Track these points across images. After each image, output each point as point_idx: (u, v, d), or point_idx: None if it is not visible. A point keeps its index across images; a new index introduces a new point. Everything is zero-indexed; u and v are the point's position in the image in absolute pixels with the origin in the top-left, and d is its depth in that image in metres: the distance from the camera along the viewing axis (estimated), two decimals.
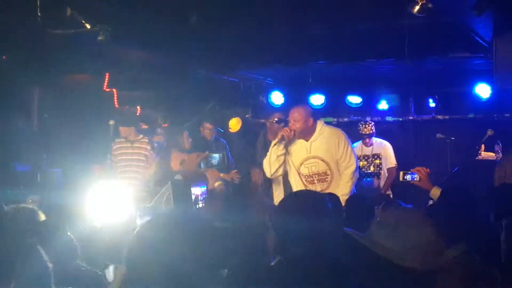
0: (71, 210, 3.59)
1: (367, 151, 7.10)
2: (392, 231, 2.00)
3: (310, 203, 2.36)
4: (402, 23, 5.18)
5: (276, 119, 5.89)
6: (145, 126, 7.20)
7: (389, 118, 8.22)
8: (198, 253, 1.73)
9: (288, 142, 5.05)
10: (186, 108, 7.66)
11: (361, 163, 6.90)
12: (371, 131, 7.10)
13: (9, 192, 5.17)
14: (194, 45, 5.77)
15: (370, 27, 5.62)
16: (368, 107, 8.15)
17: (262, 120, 7.35)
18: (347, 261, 2.04)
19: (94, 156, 6.60)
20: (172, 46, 5.76)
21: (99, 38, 4.86)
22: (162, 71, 6.81)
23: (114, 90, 7.17)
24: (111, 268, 1.91)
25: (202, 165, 5.12)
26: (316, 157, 5.06)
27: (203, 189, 4.67)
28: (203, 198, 4.62)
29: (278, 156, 5.05)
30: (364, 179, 6.96)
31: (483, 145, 6.87)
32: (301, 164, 5.10)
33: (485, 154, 6.87)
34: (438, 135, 7.36)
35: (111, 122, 6.63)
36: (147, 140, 6.48)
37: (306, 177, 5.10)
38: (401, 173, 3.99)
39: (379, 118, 8.10)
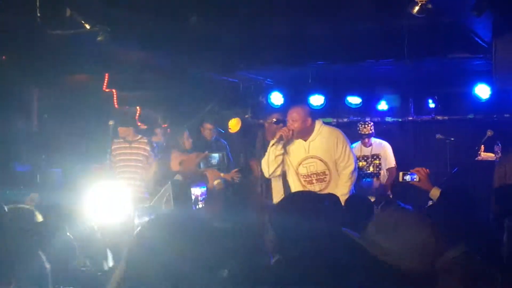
0: (71, 210, 3.59)
1: (366, 151, 7.10)
2: (390, 232, 2.00)
3: (309, 204, 2.36)
4: (402, 23, 5.18)
5: (274, 119, 5.89)
6: (144, 127, 7.20)
7: (388, 119, 8.22)
8: (197, 253, 1.73)
9: (286, 142, 5.05)
10: (186, 109, 7.66)
11: (360, 164, 6.90)
12: (371, 131, 7.09)
13: (8, 192, 5.17)
14: (194, 45, 5.77)
15: (370, 27, 5.62)
16: (367, 107, 8.15)
17: (261, 121, 7.36)
18: (346, 262, 2.04)
19: (94, 156, 6.60)
20: (172, 46, 5.76)
21: (99, 38, 4.86)
22: (161, 71, 6.81)
23: (114, 90, 7.17)
24: (109, 257, 1.91)
25: (201, 165, 5.13)
26: (314, 157, 5.06)
27: (203, 189, 4.67)
28: (203, 198, 4.62)
29: (276, 156, 5.05)
30: (364, 179, 6.96)
31: (482, 145, 6.87)
32: (299, 164, 5.09)
33: (484, 155, 6.87)
34: (438, 136, 7.36)
35: (111, 123, 6.62)
36: (145, 141, 6.48)
37: (305, 177, 5.10)
38: (401, 173, 3.99)
39: (379, 119, 8.10)
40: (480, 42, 5.73)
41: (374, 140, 7.16)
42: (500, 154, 6.64)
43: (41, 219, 3.12)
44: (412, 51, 5.58)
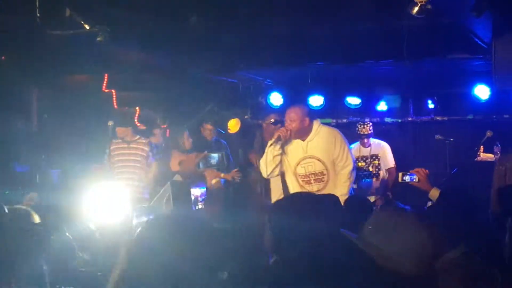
0: (70, 210, 3.59)
1: (365, 152, 7.10)
2: (387, 234, 2.00)
3: (308, 204, 2.37)
4: (401, 24, 5.18)
5: (272, 120, 5.90)
6: (143, 127, 7.20)
7: (388, 119, 8.22)
8: (197, 254, 1.73)
9: (284, 143, 5.05)
10: (185, 109, 7.66)
11: (359, 164, 6.90)
12: (370, 132, 7.09)
13: (8, 193, 5.17)
14: (193, 45, 5.77)
15: (369, 28, 5.62)
16: (367, 108, 8.15)
17: (260, 121, 7.36)
18: (343, 263, 2.04)
19: (93, 157, 6.60)
20: (171, 46, 5.76)
21: (98, 38, 4.86)
22: (161, 71, 6.81)
23: (113, 90, 7.17)
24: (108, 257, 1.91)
25: (201, 165, 5.13)
26: (312, 157, 5.05)
27: (203, 190, 4.67)
28: (203, 199, 4.63)
29: (274, 157, 5.04)
30: (363, 180, 6.96)
31: (482, 146, 6.87)
32: (297, 164, 5.09)
33: (484, 155, 6.87)
34: (437, 136, 7.36)
35: (110, 123, 6.64)
36: (144, 141, 6.48)
37: (303, 177, 5.09)
38: (400, 174, 3.99)
39: (378, 119, 8.10)
40: (479, 42, 5.73)
41: (373, 141, 7.16)
42: (499, 155, 6.64)
43: (37, 219, 3.12)
44: (411, 52, 5.59)
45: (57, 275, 2.36)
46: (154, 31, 5.29)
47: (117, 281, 1.75)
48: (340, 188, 4.95)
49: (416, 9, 4.37)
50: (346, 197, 4.50)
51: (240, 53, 6.36)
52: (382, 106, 8.15)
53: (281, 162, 5.11)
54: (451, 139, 7.24)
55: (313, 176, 5.07)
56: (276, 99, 8.00)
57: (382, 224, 2.05)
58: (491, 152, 6.83)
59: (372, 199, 6.13)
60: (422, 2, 4.30)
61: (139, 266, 1.74)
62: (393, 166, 7.08)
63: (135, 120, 7.24)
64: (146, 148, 6.44)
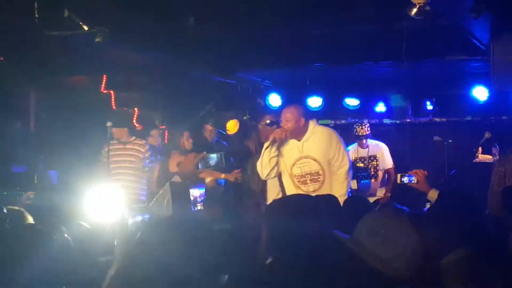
0: (68, 211, 3.58)
1: (363, 153, 7.10)
2: (379, 237, 2.00)
3: (304, 206, 2.37)
4: (400, 25, 5.19)
5: (267, 121, 5.90)
6: (140, 127, 7.19)
7: (386, 121, 8.23)
8: (196, 256, 1.73)
9: (280, 144, 5.05)
10: (184, 110, 7.66)
11: (358, 165, 6.90)
12: (367, 132, 7.10)
13: (5, 193, 5.16)
14: (192, 47, 5.77)
15: (368, 29, 5.63)
16: (365, 109, 8.15)
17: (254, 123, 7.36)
18: (337, 264, 2.04)
19: (91, 158, 6.59)
20: (170, 48, 5.76)
21: (97, 39, 4.86)
22: (159, 73, 6.81)
23: (112, 91, 7.16)
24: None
25: (199, 166, 5.12)
26: (308, 157, 5.05)
27: (202, 190, 4.66)
28: (202, 199, 4.62)
29: (270, 159, 5.05)
30: (362, 181, 6.96)
31: (480, 147, 6.88)
32: (293, 165, 5.09)
33: (482, 157, 6.88)
34: (436, 138, 7.36)
35: (109, 124, 6.62)
36: (139, 142, 6.47)
37: (299, 177, 5.09)
38: (399, 175, 3.99)
39: (377, 121, 8.10)
40: (478, 44, 5.73)
41: (370, 142, 7.17)
42: (497, 156, 6.65)
43: (31, 220, 3.12)
44: (410, 53, 5.58)
45: (54, 276, 2.35)
46: (152, 32, 5.29)
47: (113, 280, 1.75)
48: (339, 188, 4.94)
49: (414, 10, 4.37)
50: (346, 197, 4.50)
51: (239, 54, 6.36)
52: (380, 108, 8.16)
53: (277, 163, 5.11)
54: (450, 141, 7.25)
55: (309, 176, 5.07)
56: (274, 100, 8.00)
57: (374, 226, 2.05)
58: (490, 153, 6.83)
59: (371, 200, 6.12)
60: (420, 3, 4.31)
61: (136, 267, 1.73)
62: (391, 166, 7.08)
63: (134, 121, 7.23)
64: (142, 150, 6.42)
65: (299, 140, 5.07)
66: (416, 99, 8.12)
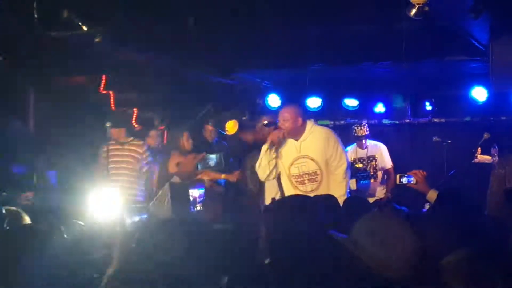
0: (67, 211, 3.58)
1: (362, 153, 7.11)
2: (376, 237, 2.00)
3: (302, 207, 2.37)
4: (399, 26, 5.19)
5: (265, 122, 5.91)
6: (139, 127, 7.19)
7: (385, 121, 8.23)
8: (195, 256, 1.73)
9: (278, 146, 5.06)
10: (183, 111, 7.66)
11: (357, 166, 6.91)
12: (367, 133, 7.10)
13: (5, 194, 5.16)
14: (192, 47, 5.77)
15: (367, 30, 5.63)
16: (365, 110, 8.16)
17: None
18: (334, 264, 2.04)
19: (90, 159, 6.59)
20: (169, 48, 5.76)
21: (96, 40, 4.86)
22: (159, 73, 6.80)
23: (111, 92, 7.16)
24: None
25: (199, 167, 5.12)
26: (306, 157, 5.06)
27: (201, 191, 4.67)
28: (201, 200, 4.62)
29: (269, 161, 5.07)
30: (361, 181, 6.96)
31: (479, 148, 6.88)
32: (291, 165, 5.10)
33: (481, 157, 6.88)
34: (435, 138, 7.37)
35: (108, 125, 6.62)
36: (137, 143, 6.46)
37: (296, 177, 5.09)
38: (398, 176, 3.99)
39: (376, 121, 8.11)
40: (477, 44, 5.74)
41: (369, 142, 7.17)
42: (496, 157, 6.65)
43: (28, 220, 3.12)
44: (409, 54, 5.59)
45: (52, 276, 2.35)
46: (152, 33, 5.29)
47: (111, 281, 1.75)
48: (337, 188, 4.94)
49: (414, 11, 4.37)
50: (345, 197, 4.50)
51: (238, 55, 6.36)
52: (380, 108, 8.16)
53: (276, 165, 5.12)
54: (449, 141, 7.25)
55: (306, 176, 5.07)
56: (274, 100, 8.00)
57: (372, 227, 2.05)
58: (489, 154, 6.83)
59: (370, 200, 6.13)
60: (420, 4, 4.31)
61: (135, 268, 1.73)
62: (390, 166, 7.08)
63: (133, 121, 7.23)
64: (140, 150, 6.42)
65: (296, 140, 5.08)
66: (415, 99, 8.12)
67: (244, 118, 8.23)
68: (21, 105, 6.87)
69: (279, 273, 2.12)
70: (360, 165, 7.03)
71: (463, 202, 2.91)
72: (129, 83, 7.06)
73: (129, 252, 1.78)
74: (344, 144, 5.49)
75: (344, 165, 5.04)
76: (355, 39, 5.83)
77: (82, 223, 3.38)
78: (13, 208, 3.24)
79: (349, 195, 5.06)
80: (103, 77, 6.94)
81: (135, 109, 7.36)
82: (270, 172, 5.09)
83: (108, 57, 5.90)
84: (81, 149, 6.76)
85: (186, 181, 5.22)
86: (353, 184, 6.59)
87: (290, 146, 5.10)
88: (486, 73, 5.59)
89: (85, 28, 4.81)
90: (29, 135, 6.89)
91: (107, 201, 3.67)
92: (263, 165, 5.07)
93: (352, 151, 6.99)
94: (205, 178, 5.64)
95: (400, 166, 6.59)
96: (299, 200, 2.66)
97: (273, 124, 5.55)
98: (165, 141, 7.34)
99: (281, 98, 7.97)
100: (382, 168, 7.07)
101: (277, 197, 5.18)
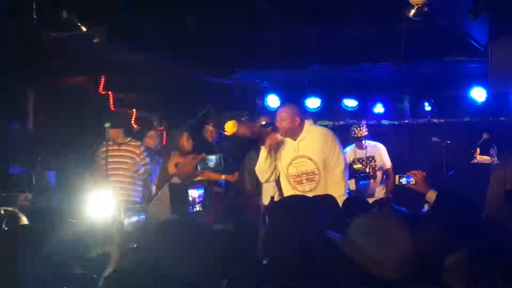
0: (66, 212, 3.58)
1: (361, 154, 7.10)
2: (372, 238, 2.00)
3: (301, 207, 2.37)
4: (398, 26, 5.20)
5: (263, 122, 5.90)
6: (139, 128, 7.18)
7: (385, 122, 8.24)
8: (194, 257, 1.73)
9: (277, 149, 5.07)
10: (183, 111, 7.65)
11: (356, 166, 6.91)
12: (366, 133, 7.11)
13: (3, 194, 5.16)
14: (191, 47, 5.77)
15: (367, 30, 5.64)
16: (364, 110, 8.16)
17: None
18: (332, 264, 2.04)
19: (89, 159, 6.59)
20: (169, 48, 5.76)
21: (95, 40, 4.86)
22: (158, 73, 6.80)
23: (110, 92, 7.15)
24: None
25: (198, 167, 5.11)
26: (304, 156, 5.07)
27: (200, 191, 4.66)
28: (200, 200, 4.62)
29: (269, 165, 5.09)
30: (360, 182, 6.96)
31: (478, 148, 6.88)
32: (289, 164, 5.11)
33: (480, 158, 6.89)
34: (434, 139, 7.37)
35: (107, 125, 6.61)
36: (134, 143, 6.46)
37: (294, 177, 5.10)
38: (397, 176, 3.99)
39: (375, 122, 8.11)
40: (476, 45, 5.74)
41: (368, 143, 7.17)
42: (495, 157, 6.66)
43: (25, 221, 3.12)
44: (408, 54, 5.60)
45: (51, 277, 2.35)
46: (151, 33, 5.29)
47: (108, 281, 1.75)
48: (337, 188, 4.94)
49: (413, 11, 4.37)
50: (344, 197, 4.50)
51: (237, 55, 6.36)
52: (379, 109, 8.17)
53: (276, 167, 5.14)
54: (448, 142, 7.26)
55: (304, 175, 5.08)
56: (273, 101, 8.00)
57: (367, 227, 2.05)
58: (488, 154, 6.84)
59: (370, 200, 6.13)
60: (419, 4, 4.31)
61: (132, 268, 1.73)
62: (390, 167, 7.09)
63: (132, 122, 7.22)
64: (137, 151, 6.42)
65: (294, 140, 5.10)
66: (414, 100, 8.13)
67: (243, 119, 8.23)
68: (20, 106, 6.86)
69: (278, 274, 2.12)
70: (359, 166, 7.02)
71: (462, 202, 2.90)
72: (128, 83, 7.05)
73: (127, 252, 1.78)
74: (343, 144, 5.49)
75: (342, 165, 5.05)
76: (354, 40, 5.84)
77: (80, 224, 3.38)
78: (10, 208, 3.24)
79: (348, 196, 5.07)
80: (102, 77, 6.94)
81: (134, 110, 7.36)
82: (270, 175, 5.12)
83: (108, 57, 5.90)
84: (80, 150, 6.75)
85: (185, 181, 5.21)
86: (352, 184, 6.59)
87: (288, 146, 5.11)
88: (485, 73, 5.59)
89: (84, 29, 4.81)
90: (28, 135, 6.89)
91: (105, 202, 3.67)
92: (263, 169, 5.10)
93: (351, 151, 6.99)
94: (206, 179, 5.64)
95: (399, 166, 6.59)
96: (298, 201, 2.66)
97: (271, 125, 5.56)
98: (164, 142, 7.33)
99: (281, 99, 7.97)
100: (381, 168, 7.07)
101: (276, 197, 5.19)
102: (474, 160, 6.86)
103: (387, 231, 2.02)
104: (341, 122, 8.27)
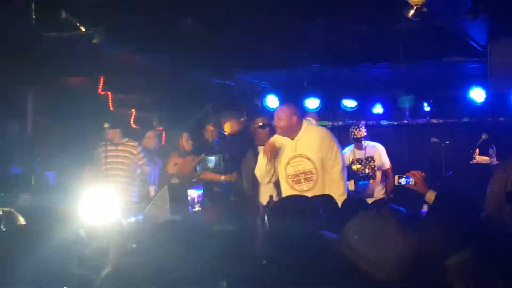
0: (64, 213, 3.57)
1: (360, 154, 7.11)
2: (368, 238, 2.00)
3: (301, 207, 2.37)
4: (397, 27, 5.19)
5: (260, 123, 5.91)
6: (138, 128, 7.18)
7: (384, 122, 8.25)
8: (193, 258, 1.72)
9: (275, 154, 5.09)
10: (182, 112, 7.65)
11: (355, 167, 6.91)
12: (365, 134, 7.12)
13: (2, 195, 5.15)
14: (190, 48, 5.76)
15: (365, 30, 5.63)
16: (363, 111, 8.17)
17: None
18: (328, 265, 2.04)
19: (88, 159, 6.59)
20: (168, 49, 5.76)
21: (94, 40, 4.85)
22: (157, 74, 6.80)
23: (109, 93, 7.15)
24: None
25: (198, 168, 5.11)
26: (301, 156, 5.08)
27: (200, 192, 4.66)
28: (199, 200, 4.62)
29: (269, 169, 5.11)
30: (360, 182, 6.97)
31: (477, 149, 6.89)
32: (287, 164, 5.12)
33: (479, 158, 6.90)
34: (433, 139, 7.38)
35: (106, 126, 6.61)
36: (131, 144, 6.46)
37: (292, 176, 5.11)
38: (396, 176, 4.00)
39: (374, 122, 8.12)
40: (475, 45, 5.74)
41: (367, 143, 7.18)
42: (494, 158, 6.67)
43: (22, 221, 3.12)
44: (407, 55, 5.60)
45: (50, 278, 2.34)
46: (150, 33, 5.29)
47: (106, 281, 1.75)
48: (336, 188, 4.95)
49: (412, 12, 4.37)
50: (344, 197, 4.51)
51: (236, 56, 6.36)
52: (378, 109, 8.18)
53: (275, 170, 5.15)
54: (447, 142, 7.27)
55: (302, 175, 5.09)
56: (272, 101, 8.00)
57: (363, 228, 2.05)
58: (487, 154, 6.85)
59: (369, 200, 6.13)
60: (418, 5, 4.31)
61: (131, 268, 1.73)
62: (389, 167, 7.09)
63: (131, 122, 7.22)
64: (134, 151, 6.42)
65: (292, 139, 5.11)
66: (414, 100, 8.14)
67: (242, 119, 8.23)
68: (19, 106, 6.86)
69: (277, 274, 2.12)
70: (359, 166, 7.03)
71: (462, 202, 2.90)
72: (127, 83, 7.05)
73: (125, 253, 1.77)
74: (342, 145, 5.50)
75: (340, 164, 5.06)
76: (353, 40, 5.83)
77: (78, 224, 3.38)
78: (7, 209, 3.24)
79: (347, 196, 5.07)
80: (102, 77, 6.93)
81: (133, 110, 7.36)
82: (271, 178, 5.16)
83: (107, 57, 5.90)
84: (79, 150, 6.75)
85: (185, 182, 5.21)
86: (351, 185, 6.60)
87: (286, 145, 5.12)
88: (484, 74, 5.59)
89: (83, 29, 4.80)
90: (27, 136, 6.88)
91: (103, 202, 3.67)
92: (263, 174, 5.12)
93: (350, 152, 7.00)
94: (205, 179, 5.64)
95: (399, 167, 6.60)
96: (297, 201, 2.66)
97: (268, 126, 5.57)
98: (163, 142, 7.34)
99: (279, 99, 7.98)
100: (380, 169, 7.08)
101: (274, 196, 5.21)
102: (473, 160, 6.87)
103: (381, 231, 2.01)
104: (340, 123, 8.27)
